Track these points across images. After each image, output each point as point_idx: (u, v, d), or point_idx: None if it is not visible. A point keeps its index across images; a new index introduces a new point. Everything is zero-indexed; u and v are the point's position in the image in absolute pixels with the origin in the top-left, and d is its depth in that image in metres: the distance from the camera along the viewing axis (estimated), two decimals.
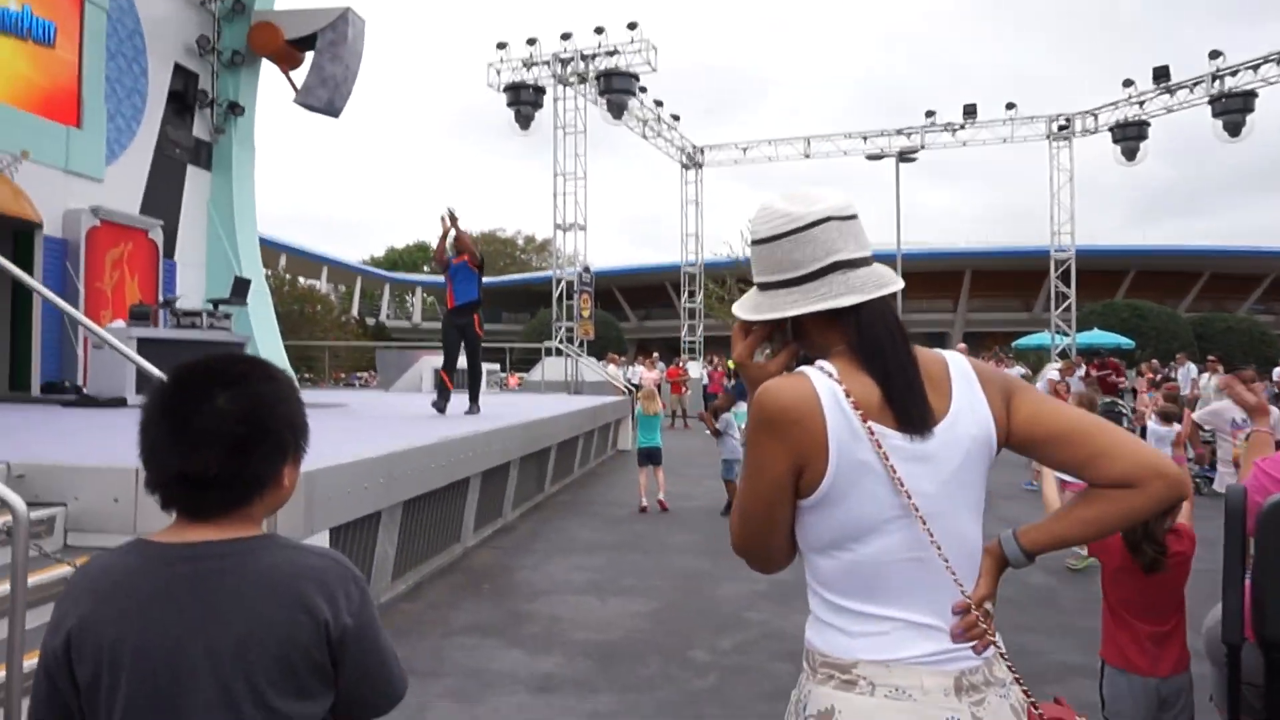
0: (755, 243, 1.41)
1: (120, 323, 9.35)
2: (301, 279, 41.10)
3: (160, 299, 11.31)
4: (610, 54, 20.72)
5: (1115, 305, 37.52)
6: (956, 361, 1.36)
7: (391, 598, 5.32)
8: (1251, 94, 20.39)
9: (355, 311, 51.53)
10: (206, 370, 1.25)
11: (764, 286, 1.41)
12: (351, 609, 1.24)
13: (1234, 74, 20.55)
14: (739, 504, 1.39)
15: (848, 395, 1.27)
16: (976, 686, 1.26)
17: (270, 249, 42.70)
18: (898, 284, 1.36)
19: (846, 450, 1.25)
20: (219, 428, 1.19)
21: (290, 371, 17.02)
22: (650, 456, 9.02)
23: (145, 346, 7.78)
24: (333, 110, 14.33)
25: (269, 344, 15.68)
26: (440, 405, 8.93)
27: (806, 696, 1.32)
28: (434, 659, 4.32)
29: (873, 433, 1.25)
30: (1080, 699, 4.01)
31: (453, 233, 8.97)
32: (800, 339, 1.41)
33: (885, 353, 1.30)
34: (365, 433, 6.87)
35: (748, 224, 1.48)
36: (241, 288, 11.05)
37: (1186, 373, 16.47)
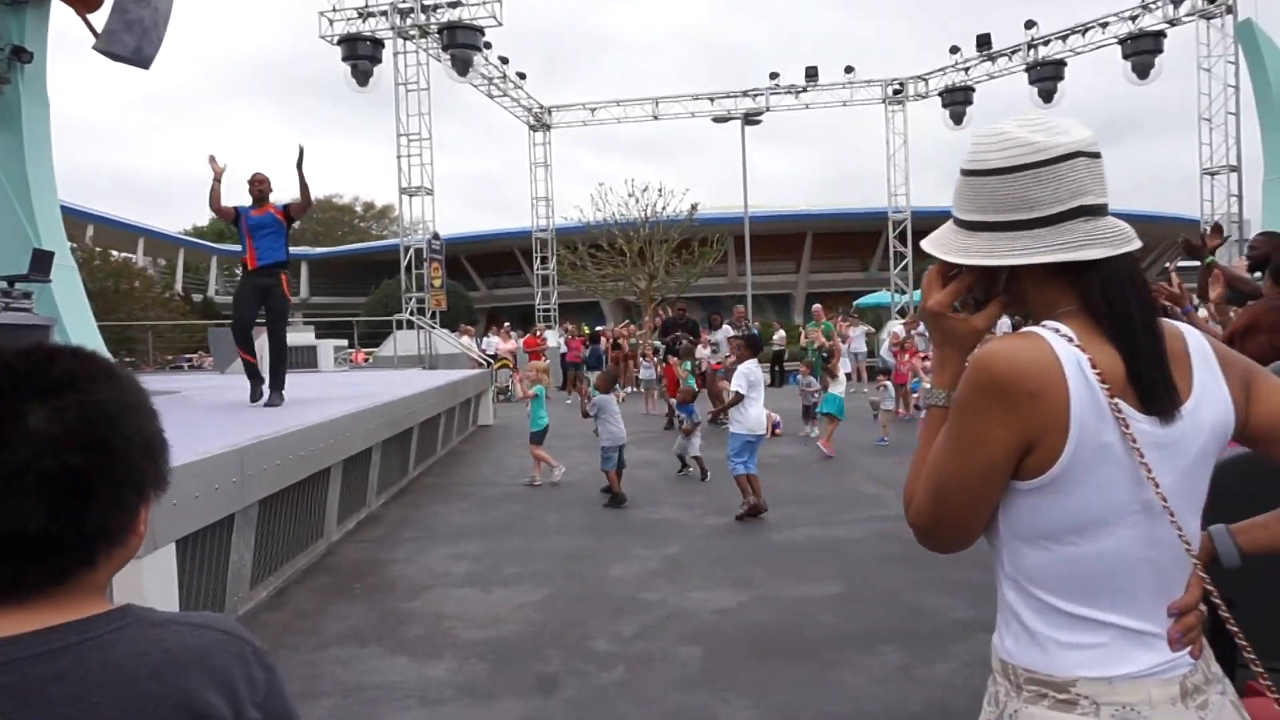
0: (976, 173, 1.19)
1: None
2: (115, 252, 37.46)
3: None
4: (453, 5, 19.71)
5: None
6: (1194, 337, 1.19)
7: (252, 608, 4.77)
8: (1062, 63, 21.87)
9: (179, 287, 47.63)
10: (8, 373, 0.84)
11: (974, 226, 1.20)
12: (257, 697, 0.89)
13: (1046, 43, 21.95)
14: (933, 476, 1.18)
15: (1093, 366, 1.09)
16: (1199, 688, 1.14)
17: (75, 219, 38.59)
18: (1138, 241, 1.18)
19: (1090, 430, 1.09)
20: (38, 462, 0.80)
21: (108, 356, 15.51)
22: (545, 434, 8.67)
23: None
24: (141, 60, 12.81)
25: (80, 326, 14.06)
26: (259, 394, 7.58)
27: (1014, 717, 1.16)
28: (308, 676, 3.87)
29: (1119, 412, 1.09)
30: (980, 654, 4.08)
31: (293, 181, 7.67)
32: (1008, 292, 1.22)
33: (1134, 320, 1.13)
34: (208, 424, 6.16)
35: (971, 147, 1.21)
36: (42, 261, 9.78)
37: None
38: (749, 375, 7.22)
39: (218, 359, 16.13)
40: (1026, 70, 22.13)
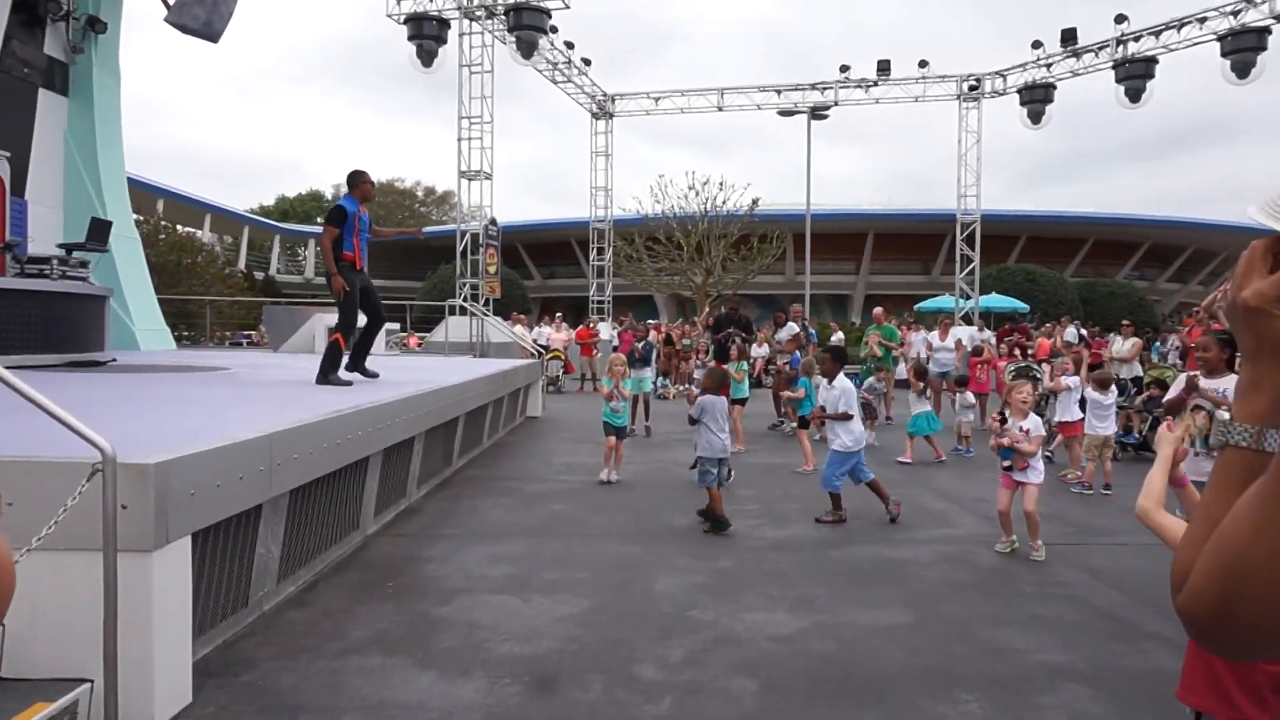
0: None
1: None
2: (181, 227, 38.24)
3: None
4: None
5: (1009, 269, 38.66)
6: None
7: (277, 604, 4.51)
8: (1153, 60, 20.78)
9: (242, 264, 48.52)
10: None
11: None
12: None
13: (1137, 39, 20.88)
14: (1229, 553, 0.78)
15: None
16: None
17: (146, 192, 39.53)
18: None
19: None
20: None
21: (165, 327, 15.51)
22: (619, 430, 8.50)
23: None
24: (211, 33, 12.79)
25: (140, 298, 14.18)
26: (360, 370, 8.00)
27: None
28: (329, 688, 3.57)
29: None
30: (1075, 709, 3.61)
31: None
32: None
33: None
34: (244, 405, 5.93)
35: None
36: (100, 231, 9.71)
37: (1065, 336, 16.90)
38: (848, 392, 7.03)
39: (272, 337, 16.14)
40: (1114, 67, 21.07)
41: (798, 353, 11.99)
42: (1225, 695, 2.02)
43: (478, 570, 5.30)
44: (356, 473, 5.65)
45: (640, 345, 12.30)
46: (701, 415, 6.63)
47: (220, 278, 30.00)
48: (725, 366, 10.98)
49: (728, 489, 7.81)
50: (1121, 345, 12.59)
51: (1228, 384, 4.93)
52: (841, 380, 7.10)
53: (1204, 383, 5.10)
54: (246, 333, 25.28)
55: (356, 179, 7.72)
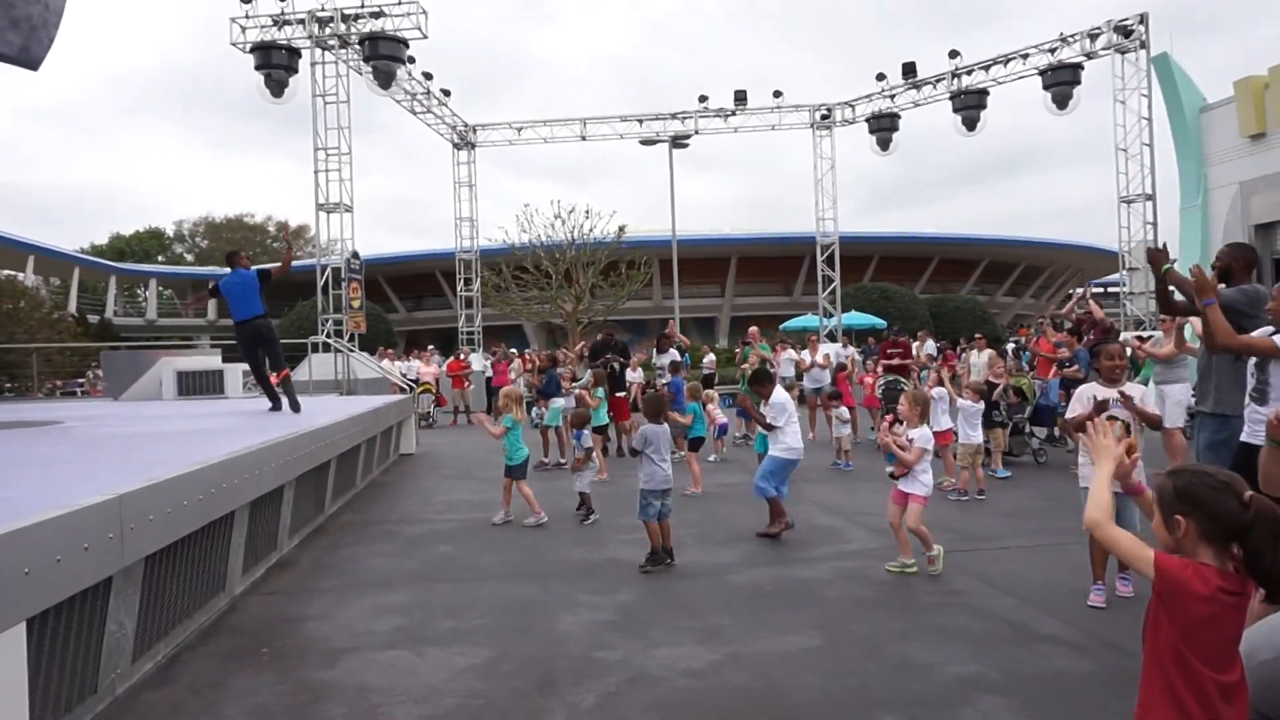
0: None
1: None
2: (2, 271, 34.94)
3: None
4: (375, 15, 18.89)
5: (865, 288, 40.51)
6: None
7: (133, 684, 3.98)
8: (985, 92, 22.31)
9: (73, 308, 44.79)
10: None
11: None
12: None
13: (970, 73, 22.39)
14: None
15: None
16: None
17: None
18: None
19: None
20: None
21: None
22: (522, 470, 7.82)
23: None
24: (29, 60, 11.63)
25: None
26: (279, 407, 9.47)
27: None
28: None
29: None
30: None
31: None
32: None
33: None
34: (84, 464, 5.31)
35: None
36: None
37: (926, 349, 17.82)
38: (782, 404, 7.06)
39: (112, 384, 14.82)
40: (951, 99, 22.50)
41: (678, 376, 12.00)
42: (1183, 709, 2.00)
43: (363, 625, 4.90)
44: (221, 529, 5.14)
45: (543, 376, 11.91)
46: (644, 446, 6.17)
47: (48, 323, 27.50)
48: (585, 395, 10.83)
49: (607, 521, 7.65)
50: (978, 357, 13.26)
51: (1127, 389, 5.16)
52: (777, 395, 7.20)
53: (1100, 392, 5.27)
54: (79, 380, 23.22)
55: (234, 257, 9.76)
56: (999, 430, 9.55)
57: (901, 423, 5.95)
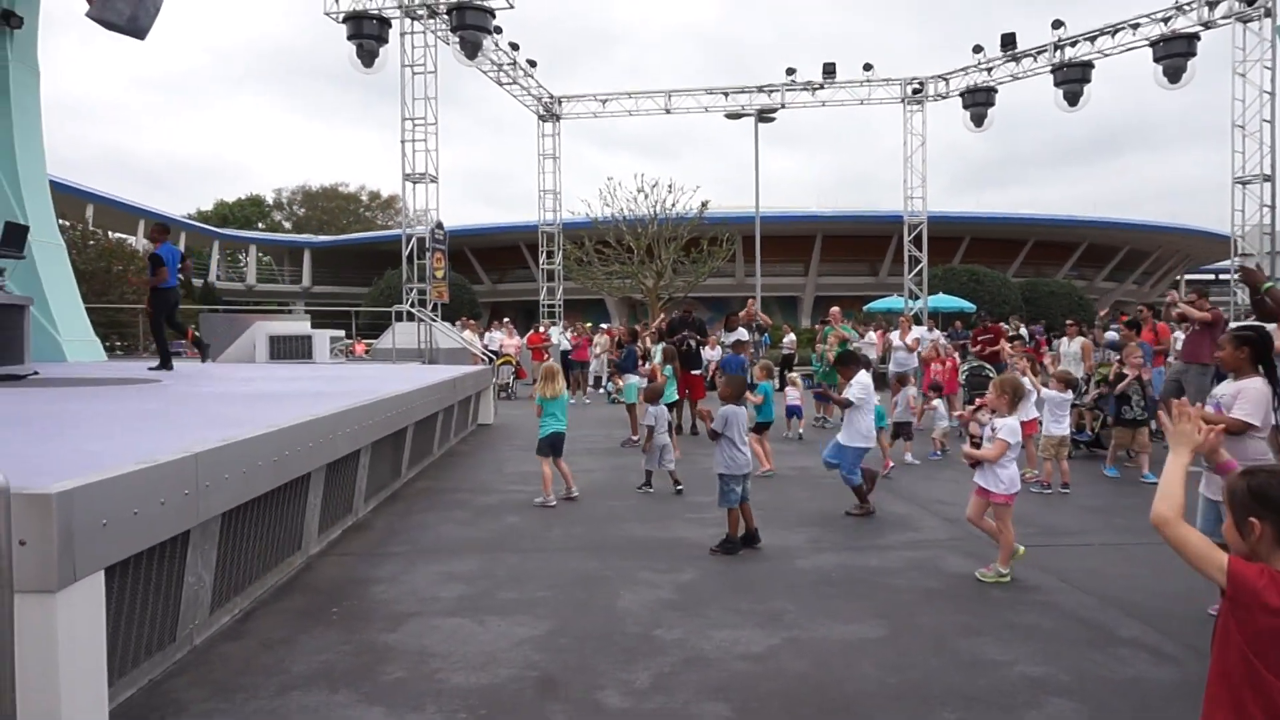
0: None
1: None
2: (113, 234, 36.83)
3: None
4: None
5: (955, 270, 39.29)
6: None
7: (209, 637, 4.16)
8: (1089, 65, 21.21)
9: None
10: None
11: None
12: None
13: (1074, 44, 21.30)
14: None
15: None
16: None
17: (74, 197, 38.04)
18: None
19: None
20: None
21: (95, 338, 14.82)
22: (555, 446, 7.55)
23: None
24: (137, 29, 12.18)
25: (66, 307, 13.49)
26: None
27: None
28: None
29: None
30: None
31: None
32: None
33: None
34: (172, 421, 5.55)
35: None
36: (15, 235, 9.14)
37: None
38: (865, 386, 7.12)
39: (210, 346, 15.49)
40: (1052, 72, 21.49)
41: (740, 355, 11.90)
42: None
43: (429, 591, 5.00)
44: (298, 490, 5.31)
45: (621, 351, 11.95)
46: (725, 428, 5.97)
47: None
48: (657, 370, 10.79)
49: (674, 500, 7.64)
50: (1069, 345, 12.70)
51: (1246, 384, 4.35)
52: (859, 377, 7.26)
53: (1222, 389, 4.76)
54: (181, 342, 24.35)
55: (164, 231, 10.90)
56: (1143, 429, 8.77)
57: (992, 412, 5.61)
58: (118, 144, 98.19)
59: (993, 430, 5.35)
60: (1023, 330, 18.20)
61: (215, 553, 4.19)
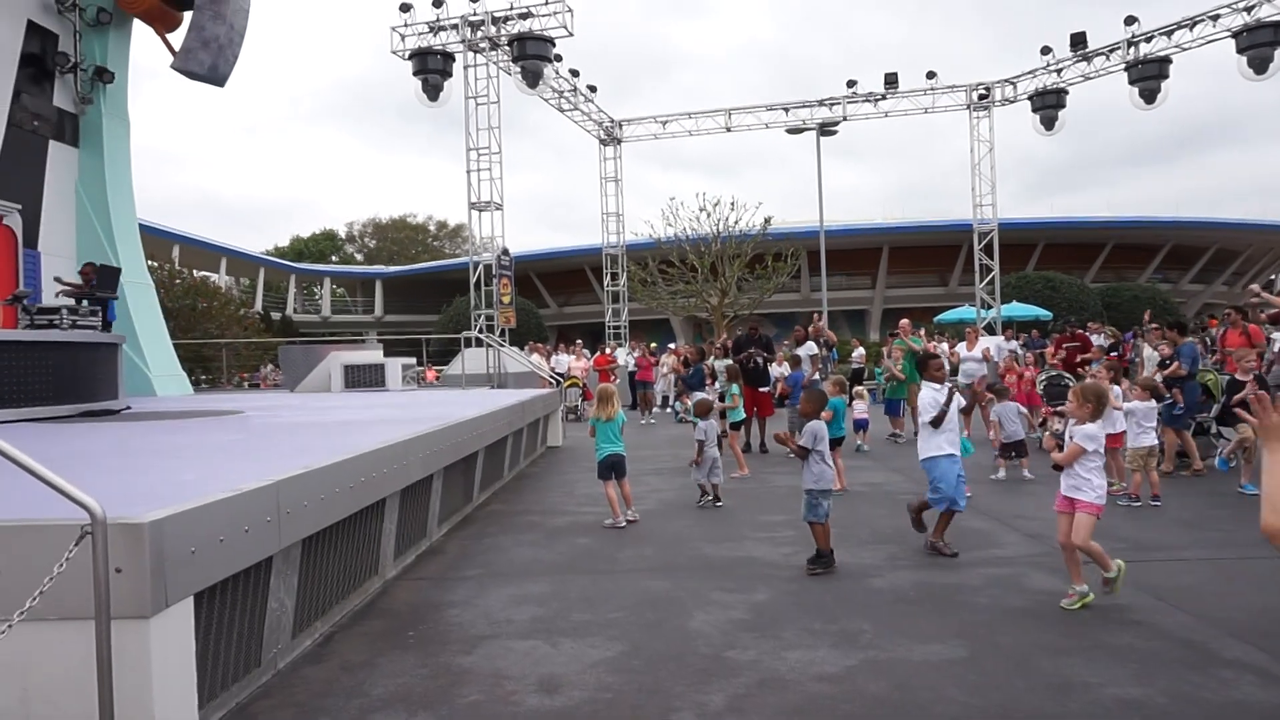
0: None
1: None
2: (197, 272, 38.50)
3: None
4: (523, 16, 19.49)
5: (1029, 277, 38.24)
6: None
7: (292, 660, 4.27)
8: (1166, 60, 20.51)
9: (259, 305, 48.82)
10: None
11: None
12: None
13: (1149, 40, 20.64)
14: None
15: None
16: None
17: (162, 239, 39.87)
18: None
19: None
20: None
21: (182, 372, 15.47)
22: (614, 467, 7.51)
23: None
24: (217, 77, 12.82)
25: (155, 343, 14.14)
26: None
27: None
28: None
29: None
30: None
31: None
32: None
33: None
34: (253, 450, 5.74)
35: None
36: (108, 278, 9.61)
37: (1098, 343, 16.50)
38: (934, 394, 6.36)
39: (287, 377, 16.02)
40: (1126, 69, 20.84)
41: (800, 371, 11.82)
42: None
43: (502, 614, 5.05)
44: (374, 515, 5.43)
45: (689, 369, 12.02)
46: (815, 443, 5.89)
47: (236, 320, 30.08)
48: (732, 391, 10.74)
49: (744, 519, 7.58)
50: (1152, 350, 12.20)
51: None
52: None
53: None
54: (261, 374, 25.27)
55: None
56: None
57: (1069, 421, 5.32)
58: (203, 186, 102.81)
59: (1069, 437, 5.11)
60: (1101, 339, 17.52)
61: (296, 578, 4.31)
